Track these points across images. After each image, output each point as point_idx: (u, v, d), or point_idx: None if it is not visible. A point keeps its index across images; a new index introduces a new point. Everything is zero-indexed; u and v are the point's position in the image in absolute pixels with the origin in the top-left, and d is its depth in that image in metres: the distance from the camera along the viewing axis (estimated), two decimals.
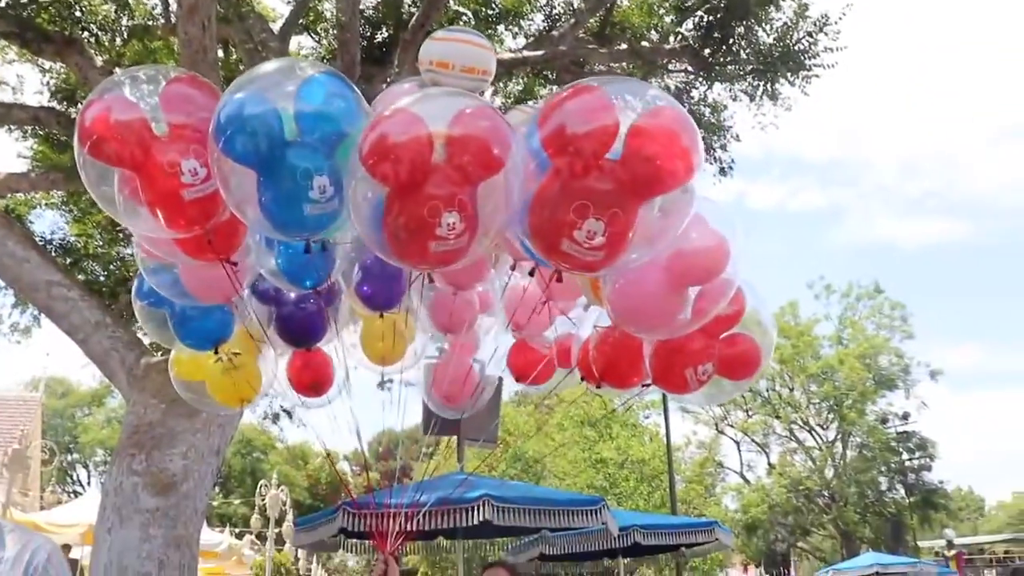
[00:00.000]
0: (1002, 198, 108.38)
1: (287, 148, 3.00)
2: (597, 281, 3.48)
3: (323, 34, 11.81)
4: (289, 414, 16.51)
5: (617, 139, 2.74)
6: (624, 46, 11.17)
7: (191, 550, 7.31)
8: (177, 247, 3.54)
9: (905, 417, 41.39)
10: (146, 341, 8.66)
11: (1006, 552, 41.43)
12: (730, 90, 11.51)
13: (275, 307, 4.28)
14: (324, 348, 4.49)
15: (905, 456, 41.72)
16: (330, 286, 4.04)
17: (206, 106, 3.19)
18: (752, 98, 11.33)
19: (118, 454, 7.42)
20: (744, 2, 10.30)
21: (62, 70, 10.90)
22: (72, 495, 39.99)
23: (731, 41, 10.82)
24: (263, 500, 23.16)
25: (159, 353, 8.05)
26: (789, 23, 10.77)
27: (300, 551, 30.21)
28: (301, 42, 12.06)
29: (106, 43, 10.70)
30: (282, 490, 23.66)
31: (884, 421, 42.05)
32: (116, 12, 10.79)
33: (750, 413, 43.96)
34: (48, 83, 11.20)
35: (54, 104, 11.04)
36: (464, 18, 11.30)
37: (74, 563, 14.61)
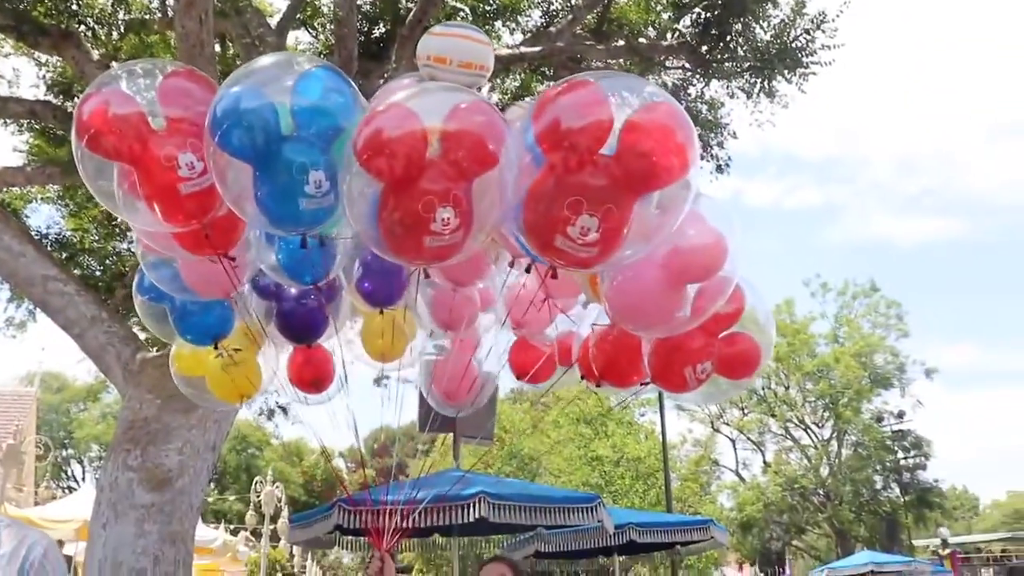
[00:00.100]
0: (999, 196, 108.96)
1: (283, 143, 3.00)
2: (596, 278, 3.47)
3: (320, 29, 11.79)
4: (284, 410, 16.48)
5: (611, 134, 2.72)
6: (621, 42, 11.16)
7: (186, 546, 7.30)
8: (175, 241, 3.54)
9: (900, 416, 41.55)
10: (142, 336, 8.65)
11: (1003, 551, 41.53)
12: (727, 87, 11.51)
13: (276, 303, 4.28)
14: (324, 344, 4.50)
15: (900, 455, 41.79)
16: (331, 282, 4.03)
17: (203, 100, 3.18)
18: (749, 95, 11.32)
19: (113, 449, 7.42)
20: None
21: (58, 63, 10.86)
22: (67, 491, 39.88)
23: (728, 38, 10.82)
24: (258, 496, 23.18)
25: (155, 348, 8.04)
26: (786, 20, 10.76)
27: (295, 548, 30.16)
28: (298, 37, 12.06)
29: (103, 37, 10.67)
30: (277, 486, 23.67)
31: (879, 420, 42.15)
32: (113, 6, 10.76)
33: (746, 411, 44.02)
34: (44, 77, 11.17)
35: (50, 98, 11.00)
36: (461, 14, 11.27)
37: (68, 559, 14.58)
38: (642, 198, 2.82)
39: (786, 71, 10.86)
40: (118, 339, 7.87)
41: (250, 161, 3.01)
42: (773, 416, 43.15)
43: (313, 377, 4.54)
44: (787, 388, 43.14)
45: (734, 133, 11.89)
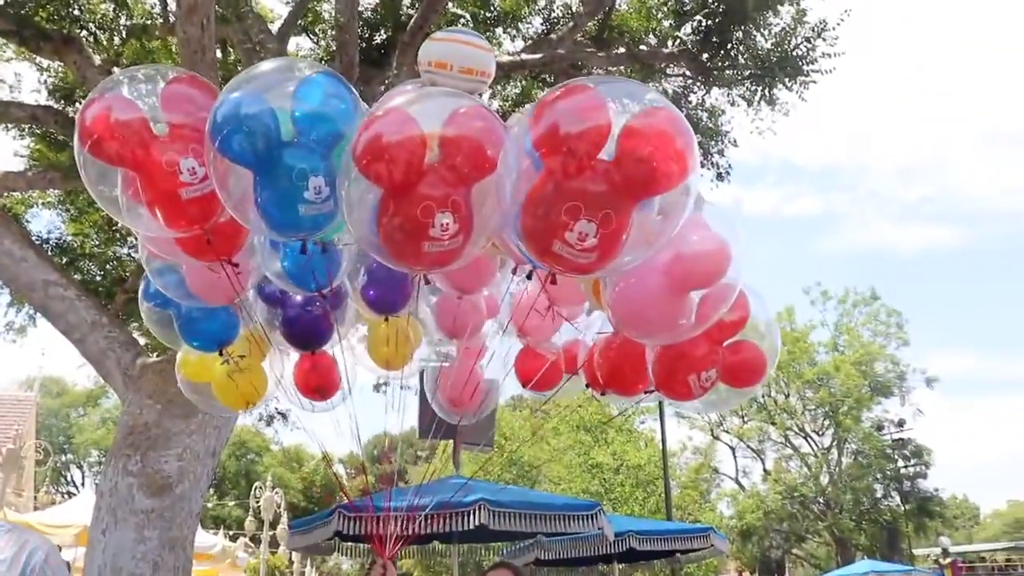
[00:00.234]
0: (999, 203, 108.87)
1: (283, 148, 3.00)
2: (599, 285, 3.46)
3: (321, 35, 11.80)
4: (284, 416, 16.46)
5: (610, 139, 2.68)
6: (622, 50, 11.17)
7: (185, 552, 7.29)
8: (179, 247, 3.54)
9: (900, 424, 41.47)
10: (142, 341, 8.65)
11: (1007, 560, 41.48)
12: (728, 95, 11.52)
13: (281, 309, 4.27)
14: (329, 351, 4.48)
15: (900, 463, 41.72)
16: (336, 289, 4.03)
17: (205, 106, 3.19)
18: (750, 103, 11.33)
19: (113, 455, 7.40)
20: (742, 7, 10.31)
21: (60, 68, 10.88)
22: (66, 496, 39.82)
23: (729, 46, 10.84)
24: (258, 502, 23.13)
25: (155, 354, 8.04)
26: (787, 28, 10.78)
27: (294, 554, 30.09)
28: (299, 43, 12.06)
29: (104, 42, 10.68)
30: (277, 492, 23.63)
31: (879, 428, 42.09)
32: (115, 11, 10.77)
33: (746, 419, 43.96)
34: (46, 81, 11.18)
35: (52, 103, 11.01)
36: (463, 20, 11.30)
37: (67, 565, 14.51)
38: (641, 204, 2.78)
39: (787, 79, 10.87)
40: (118, 344, 7.87)
41: (250, 166, 3.02)
42: (773, 424, 43.10)
43: (318, 384, 4.53)
44: (787, 396, 43.10)
45: (735, 141, 11.89)
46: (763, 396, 42.02)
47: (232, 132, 2.95)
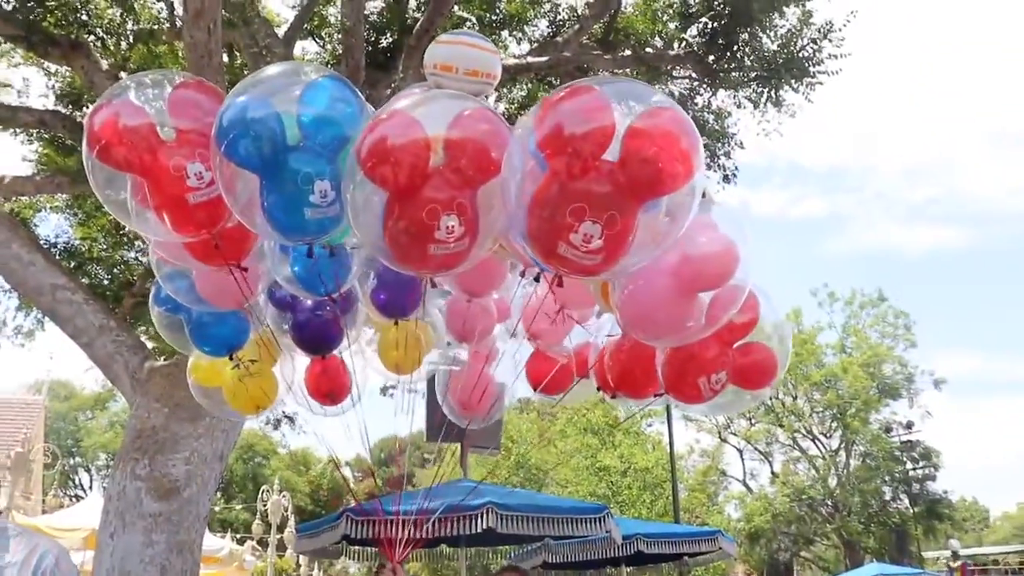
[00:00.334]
0: (1005, 203, 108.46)
1: (289, 152, 2.99)
2: (607, 287, 3.44)
3: (327, 39, 11.83)
4: (291, 420, 16.49)
5: (615, 140, 2.65)
6: (628, 52, 11.17)
7: (193, 556, 7.30)
8: (187, 252, 3.55)
9: (909, 426, 41.27)
10: (150, 345, 8.67)
11: (1021, 563, 41.23)
12: (734, 97, 11.52)
13: (291, 314, 4.27)
14: (339, 355, 4.48)
15: (909, 466, 41.52)
16: (346, 293, 4.02)
17: (212, 111, 3.19)
18: (756, 105, 11.33)
19: (121, 458, 7.42)
20: (748, 9, 10.30)
21: (68, 73, 10.93)
22: (74, 499, 39.92)
23: (735, 48, 10.83)
24: (265, 506, 23.15)
25: (163, 357, 8.05)
26: (793, 30, 10.77)
27: (302, 557, 30.11)
28: (305, 47, 12.10)
29: (112, 47, 10.73)
30: (284, 496, 23.64)
31: (888, 430, 41.89)
32: (122, 16, 10.83)
33: (753, 421, 43.81)
34: (54, 86, 11.24)
35: (59, 107, 11.07)
36: (468, 23, 11.31)
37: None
38: (647, 205, 2.75)
39: (793, 80, 10.86)
40: (126, 348, 7.89)
41: (256, 171, 3.01)
42: (781, 426, 42.94)
43: (329, 389, 4.52)
44: (795, 398, 42.92)
45: (741, 143, 11.89)
46: (771, 398, 41.87)
47: (238, 136, 2.95)
